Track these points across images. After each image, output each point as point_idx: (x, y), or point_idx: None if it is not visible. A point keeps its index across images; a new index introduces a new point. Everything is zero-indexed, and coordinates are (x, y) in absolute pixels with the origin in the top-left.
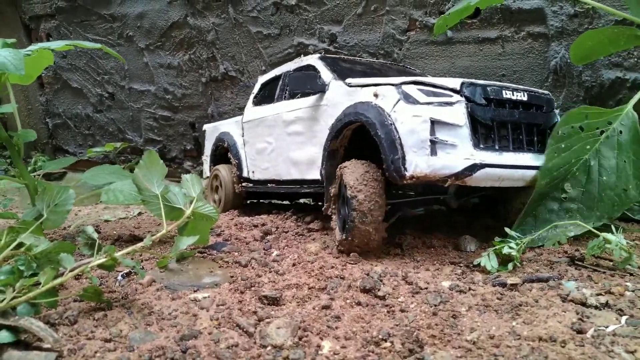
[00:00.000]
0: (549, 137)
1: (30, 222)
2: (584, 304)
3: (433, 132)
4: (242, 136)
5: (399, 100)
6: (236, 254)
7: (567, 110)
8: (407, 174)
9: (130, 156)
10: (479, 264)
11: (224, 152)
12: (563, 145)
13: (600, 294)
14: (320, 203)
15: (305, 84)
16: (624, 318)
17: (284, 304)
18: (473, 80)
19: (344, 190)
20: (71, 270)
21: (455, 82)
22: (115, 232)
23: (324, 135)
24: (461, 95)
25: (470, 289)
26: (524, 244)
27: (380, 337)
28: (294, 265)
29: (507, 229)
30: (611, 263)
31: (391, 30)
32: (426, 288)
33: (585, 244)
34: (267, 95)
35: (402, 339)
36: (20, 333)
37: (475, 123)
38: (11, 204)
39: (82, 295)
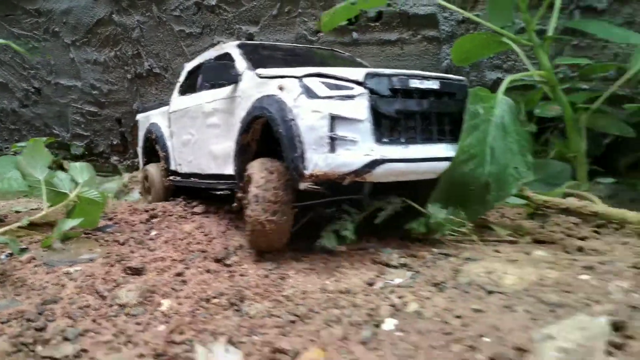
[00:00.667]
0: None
1: None
2: (387, 265)
3: (332, 128)
4: (169, 127)
5: (300, 94)
6: (118, 234)
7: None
8: (307, 172)
9: (57, 151)
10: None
11: (153, 144)
12: (472, 124)
13: (404, 257)
14: None
15: (220, 75)
16: (410, 273)
17: (145, 274)
18: (378, 70)
19: (250, 188)
20: None
21: (358, 74)
22: (18, 219)
23: (237, 128)
24: (364, 88)
25: (303, 257)
26: (354, 224)
27: (213, 295)
28: (165, 242)
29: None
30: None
31: (303, 31)
32: (268, 257)
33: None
34: (191, 85)
35: (229, 297)
36: None
37: (378, 116)
38: None
39: None
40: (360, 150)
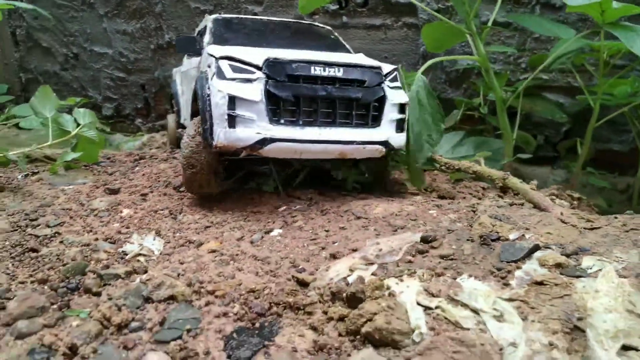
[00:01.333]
0: (381, 111)
1: None
2: (298, 198)
3: (233, 107)
4: (181, 85)
5: (214, 74)
6: (109, 168)
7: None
8: (214, 143)
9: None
10: None
11: (171, 99)
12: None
13: (314, 195)
14: None
15: (189, 47)
16: (308, 203)
17: (118, 194)
18: (278, 57)
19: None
20: None
21: (259, 59)
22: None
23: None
24: (262, 72)
25: (233, 194)
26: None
27: (160, 209)
28: (143, 175)
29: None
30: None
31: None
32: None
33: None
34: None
35: (171, 209)
36: None
37: (273, 99)
38: None
39: None
40: (255, 128)
